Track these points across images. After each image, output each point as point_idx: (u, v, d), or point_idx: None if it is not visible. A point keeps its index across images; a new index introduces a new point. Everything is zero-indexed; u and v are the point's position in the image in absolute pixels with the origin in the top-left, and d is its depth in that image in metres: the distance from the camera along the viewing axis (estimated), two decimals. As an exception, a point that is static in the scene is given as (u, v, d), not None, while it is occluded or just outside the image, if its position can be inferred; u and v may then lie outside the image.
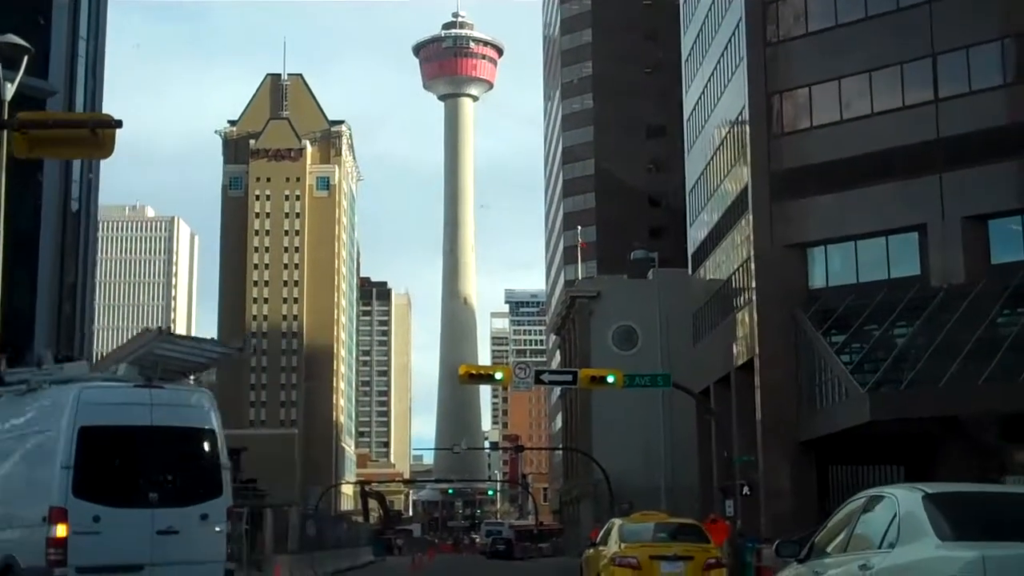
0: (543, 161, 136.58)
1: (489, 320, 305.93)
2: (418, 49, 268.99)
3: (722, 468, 55.63)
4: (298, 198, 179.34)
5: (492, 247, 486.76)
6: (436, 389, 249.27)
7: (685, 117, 64.91)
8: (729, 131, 53.76)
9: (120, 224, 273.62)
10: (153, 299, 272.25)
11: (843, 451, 46.21)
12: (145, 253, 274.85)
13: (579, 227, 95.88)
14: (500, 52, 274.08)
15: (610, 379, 30.45)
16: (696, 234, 62.05)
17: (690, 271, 62.66)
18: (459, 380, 30.68)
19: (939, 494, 8.17)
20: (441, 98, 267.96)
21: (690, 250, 61.95)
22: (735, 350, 52.59)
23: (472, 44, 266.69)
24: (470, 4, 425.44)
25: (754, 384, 48.90)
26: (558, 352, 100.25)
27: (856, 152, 46.13)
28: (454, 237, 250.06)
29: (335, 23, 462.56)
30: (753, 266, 49.13)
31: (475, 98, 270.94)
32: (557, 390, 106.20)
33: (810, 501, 44.27)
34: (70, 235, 50.05)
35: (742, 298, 51.51)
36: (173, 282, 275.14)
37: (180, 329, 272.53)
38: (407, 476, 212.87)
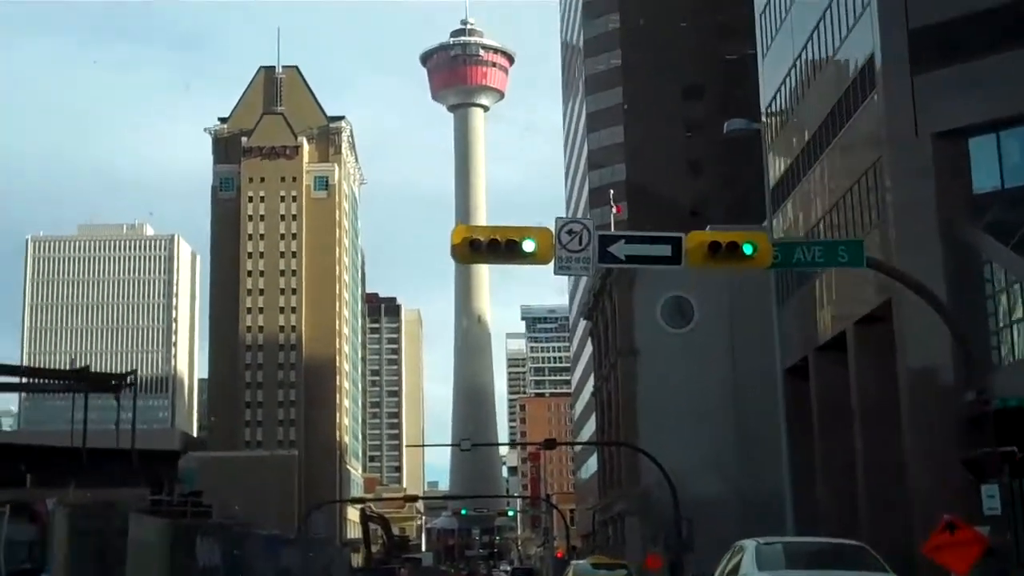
0: (563, 139, 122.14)
1: (505, 341, 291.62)
2: (426, 58, 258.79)
3: (832, 470, 40.66)
4: (295, 199, 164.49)
5: (507, 270, 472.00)
6: (451, 415, 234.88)
7: (758, 11, 49.86)
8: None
9: (118, 243, 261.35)
10: (154, 321, 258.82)
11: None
12: (145, 273, 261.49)
13: (611, 191, 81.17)
14: (511, 60, 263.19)
15: (747, 249, 15.70)
16: (778, 160, 46.96)
17: (768, 212, 47.35)
18: (456, 256, 15.96)
19: (764, 544, 14.27)
20: (450, 109, 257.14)
21: (770, 178, 46.29)
22: (854, 298, 37.66)
23: (482, 51, 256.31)
24: (480, 11, 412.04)
25: (892, 341, 33.93)
26: (589, 343, 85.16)
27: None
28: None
29: (340, 40, 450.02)
30: (886, 168, 34.20)
31: (486, 108, 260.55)
32: (588, 392, 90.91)
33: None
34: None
35: (866, 220, 36.46)
36: (174, 303, 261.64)
37: (182, 349, 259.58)
38: (421, 507, 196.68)
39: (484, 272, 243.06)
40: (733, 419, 56.14)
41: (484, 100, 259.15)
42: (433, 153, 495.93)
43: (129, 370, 46.08)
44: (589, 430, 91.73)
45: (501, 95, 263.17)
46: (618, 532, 65.18)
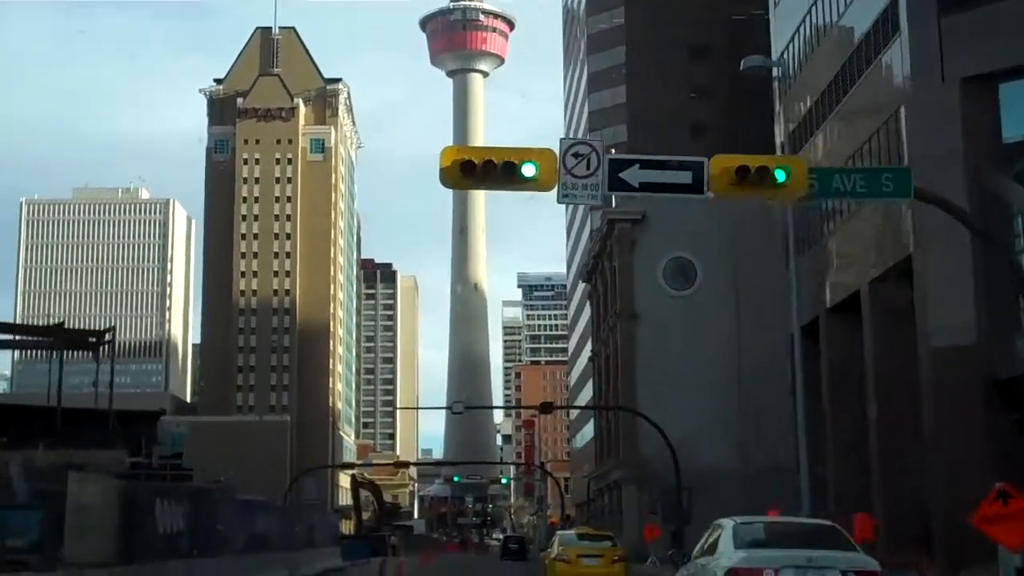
0: (563, 104, 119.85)
1: (501, 309, 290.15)
2: (425, 22, 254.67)
3: (843, 436, 38.78)
4: (290, 162, 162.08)
5: (504, 236, 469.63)
6: (445, 383, 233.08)
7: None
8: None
9: (113, 207, 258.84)
10: (148, 285, 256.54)
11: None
12: (140, 237, 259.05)
13: (612, 151, 79.08)
14: (511, 25, 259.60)
15: (780, 175, 13.68)
16: (790, 113, 44.84)
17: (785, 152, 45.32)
18: (446, 180, 13.91)
19: (742, 523, 15.07)
20: (449, 74, 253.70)
21: (782, 130, 44.26)
22: (870, 256, 35.68)
23: (481, 16, 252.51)
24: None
25: (911, 300, 31.98)
26: (586, 310, 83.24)
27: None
28: (464, 218, 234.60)
29: (338, 5, 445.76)
30: (904, 118, 32.13)
31: (485, 74, 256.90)
32: (584, 359, 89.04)
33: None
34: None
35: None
36: (169, 267, 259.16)
37: (177, 314, 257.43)
38: (415, 474, 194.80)
39: (481, 239, 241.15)
40: (736, 384, 54.30)
41: (483, 66, 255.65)
42: (432, 120, 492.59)
43: (108, 327, 44.03)
44: (585, 397, 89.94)
45: (501, 61, 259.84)
46: (614, 501, 63.44)
